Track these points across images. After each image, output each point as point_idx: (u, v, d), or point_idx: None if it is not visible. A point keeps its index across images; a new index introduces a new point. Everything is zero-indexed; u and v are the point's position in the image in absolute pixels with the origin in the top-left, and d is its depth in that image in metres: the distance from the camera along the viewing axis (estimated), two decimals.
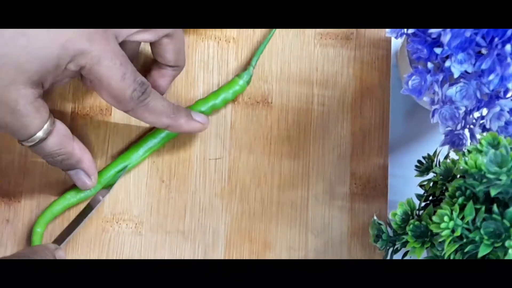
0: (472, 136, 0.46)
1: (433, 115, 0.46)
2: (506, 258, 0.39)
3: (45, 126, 0.45)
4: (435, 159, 0.49)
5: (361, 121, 0.56)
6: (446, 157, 0.48)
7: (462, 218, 0.40)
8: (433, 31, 0.43)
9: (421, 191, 0.48)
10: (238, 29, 0.56)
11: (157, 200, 0.54)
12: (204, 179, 0.54)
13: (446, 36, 0.42)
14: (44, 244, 0.51)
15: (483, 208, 0.40)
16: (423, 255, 0.43)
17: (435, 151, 0.49)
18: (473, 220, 0.40)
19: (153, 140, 0.53)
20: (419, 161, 0.49)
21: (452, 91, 0.45)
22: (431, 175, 0.48)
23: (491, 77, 0.43)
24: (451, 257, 0.41)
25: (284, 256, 0.53)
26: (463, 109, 0.45)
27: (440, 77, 0.45)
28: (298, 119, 0.55)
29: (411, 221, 0.43)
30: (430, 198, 0.47)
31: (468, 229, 0.40)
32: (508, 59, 0.42)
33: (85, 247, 0.53)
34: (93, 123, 0.54)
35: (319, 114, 0.56)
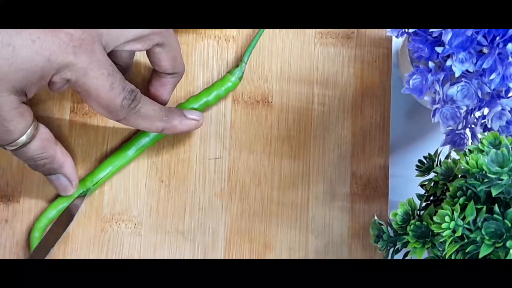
0: (473, 135, 0.46)
1: (434, 115, 0.46)
2: (507, 258, 0.39)
3: (29, 131, 0.45)
4: (436, 159, 0.48)
5: (361, 121, 0.55)
6: (447, 156, 0.48)
7: (463, 218, 0.40)
8: (434, 30, 0.43)
9: (422, 191, 0.48)
10: (238, 29, 0.56)
11: (157, 200, 0.54)
12: (204, 179, 0.54)
13: (447, 35, 0.42)
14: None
15: (484, 208, 0.40)
16: (424, 255, 0.43)
17: (436, 151, 0.49)
18: (474, 220, 0.40)
19: (145, 138, 0.53)
20: (420, 161, 0.49)
21: (453, 90, 0.44)
22: (432, 175, 0.48)
23: (493, 76, 0.43)
24: (452, 258, 0.41)
25: (284, 256, 0.53)
26: (464, 108, 0.45)
27: (441, 76, 0.45)
28: (298, 118, 0.55)
29: (412, 221, 0.43)
30: (431, 198, 0.47)
31: (469, 229, 0.40)
32: (510, 58, 0.42)
33: (84, 247, 0.52)
34: (92, 123, 0.54)
35: (320, 113, 0.55)
